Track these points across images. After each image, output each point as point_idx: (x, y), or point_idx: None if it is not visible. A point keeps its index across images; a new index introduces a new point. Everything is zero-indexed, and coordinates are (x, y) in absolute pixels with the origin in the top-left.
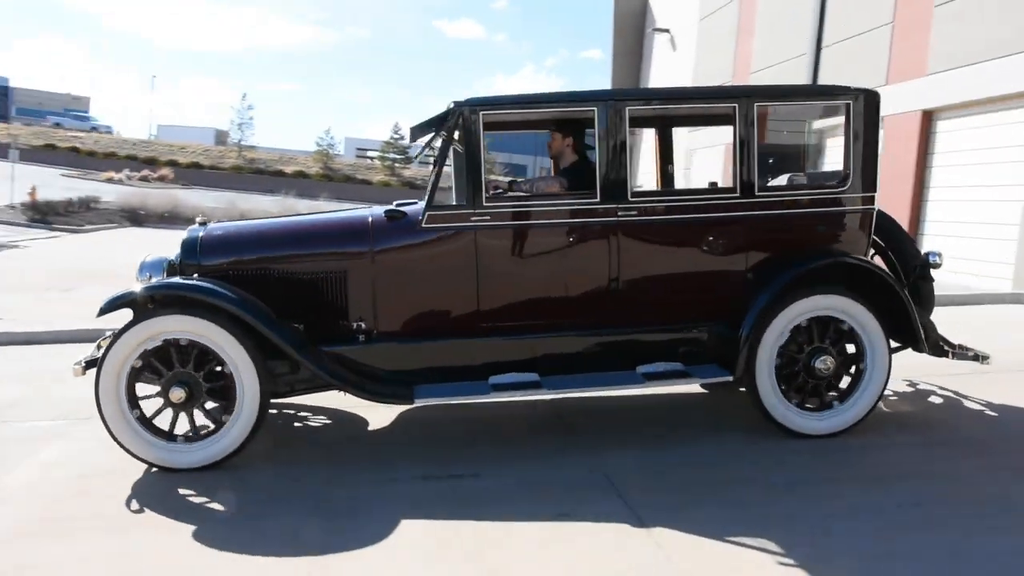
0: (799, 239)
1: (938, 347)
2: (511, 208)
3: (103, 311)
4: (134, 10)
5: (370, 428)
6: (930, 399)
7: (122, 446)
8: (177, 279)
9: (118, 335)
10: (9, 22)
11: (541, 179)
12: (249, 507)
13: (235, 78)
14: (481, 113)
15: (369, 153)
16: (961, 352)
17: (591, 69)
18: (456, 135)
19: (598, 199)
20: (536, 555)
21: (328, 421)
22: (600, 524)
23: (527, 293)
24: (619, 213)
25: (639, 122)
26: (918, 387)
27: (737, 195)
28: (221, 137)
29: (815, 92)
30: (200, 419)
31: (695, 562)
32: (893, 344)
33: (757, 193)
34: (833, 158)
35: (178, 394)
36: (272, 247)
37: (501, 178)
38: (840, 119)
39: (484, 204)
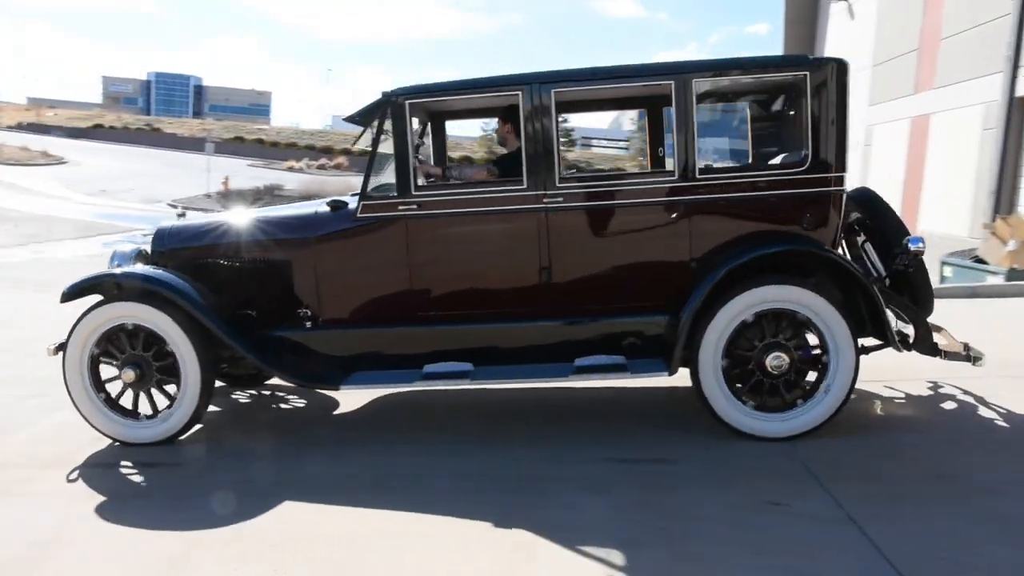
0: (750, 226)
1: (929, 345)
2: (439, 197)
3: (65, 298)
4: (306, 6)
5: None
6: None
7: (87, 420)
8: (126, 268)
9: (78, 321)
10: (197, 24)
11: (470, 167)
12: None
13: (395, 67)
14: (407, 102)
15: None
16: (954, 353)
17: (758, 44)
18: (386, 124)
19: (524, 186)
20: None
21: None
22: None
23: (459, 282)
24: (545, 200)
25: (630, 103)
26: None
27: (675, 178)
28: None
29: (765, 64)
30: (161, 399)
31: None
32: (876, 341)
33: (698, 176)
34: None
35: (129, 374)
36: (226, 238)
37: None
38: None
39: (413, 193)
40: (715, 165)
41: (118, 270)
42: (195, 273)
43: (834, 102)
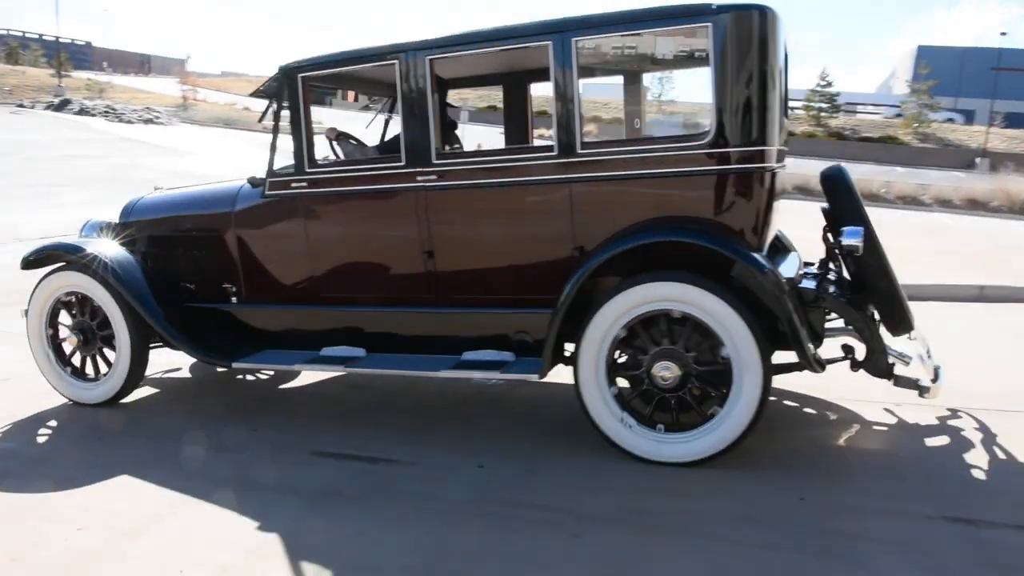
0: (641, 210)
1: (881, 367)
2: (329, 175)
3: (24, 265)
4: None
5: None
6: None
7: (44, 377)
8: (62, 239)
9: (34, 288)
10: None
11: (361, 144)
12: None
13: None
14: (299, 76)
15: (789, 103)
16: (906, 379)
17: None
18: (284, 100)
19: (403, 162)
20: None
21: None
22: None
23: (352, 263)
24: (419, 178)
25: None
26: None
27: (555, 154)
28: None
29: (654, 16)
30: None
31: None
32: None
33: (579, 152)
34: None
35: (73, 339)
36: (169, 211)
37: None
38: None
39: (306, 170)
40: (604, 139)
41: (53, 240)
42: (146, 245)
43: (748, 60)
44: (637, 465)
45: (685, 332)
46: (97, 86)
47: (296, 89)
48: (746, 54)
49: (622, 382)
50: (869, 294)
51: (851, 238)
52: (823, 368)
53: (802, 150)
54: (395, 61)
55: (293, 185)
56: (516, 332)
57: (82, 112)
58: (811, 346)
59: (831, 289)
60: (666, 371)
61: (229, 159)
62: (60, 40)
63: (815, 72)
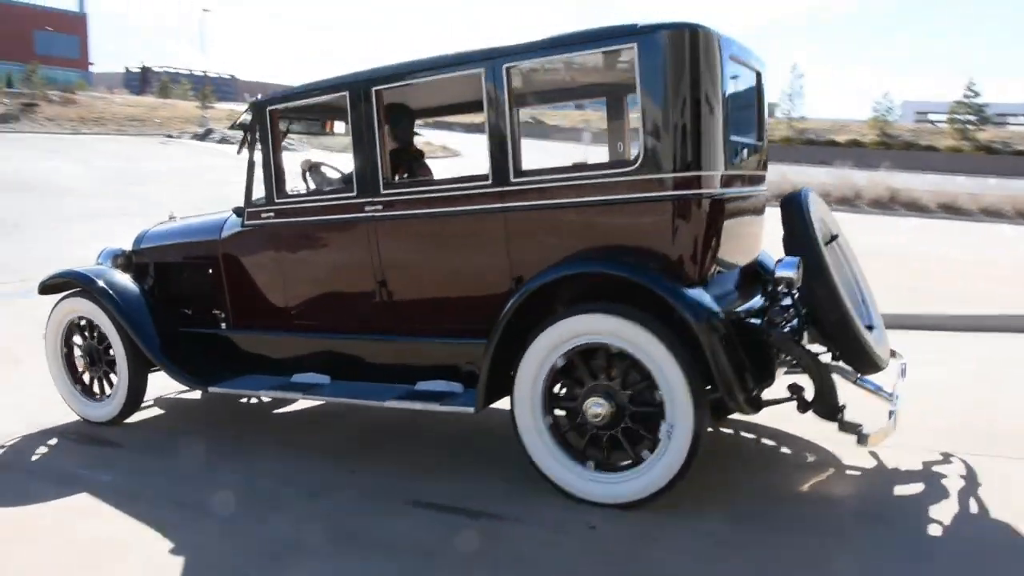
0: (578, 239)
1: (827, 407)
2: (292, 205)
3: (40, 291)
4: None
5: None
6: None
7: (61, 395)
8: (75, 268)
9: (50, 312)
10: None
11: (341, 174)
12: None
13: (783, 49)
14: (267, 110)
15: (931, 116)
16: (850, 424)
17: None
18: (256, 132)
19: (354, 193)
20: None
21: None
22: None
23: (316, 291)
24: (367, 208)
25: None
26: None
27: (490, 183)
28: (770, 110)
29: (582, 40)
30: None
31: None
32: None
33: (513, 180)
34: None
35: (82, 361)
36: (168, 240)
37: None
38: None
39: (275, 201)
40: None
41: (65, 268)
42: (152, 272)
43: (678, 82)
44: (771, 535)
45: (623, 368)
46: (236, 115)
47: (265, 122)
48: (675, 75)
49: (560, 412)
50: (822, 328)
51: (784, 270)
52: (756, 410)
53: (946, 166)
54: (345, 92)
55: (263, 215)
56: (465, 363)
57: (223, 141)
58: (740, 386)
59: (786, 324)
60: (598, 407)
61: None
62: (207, 75)
63: (958, 84)
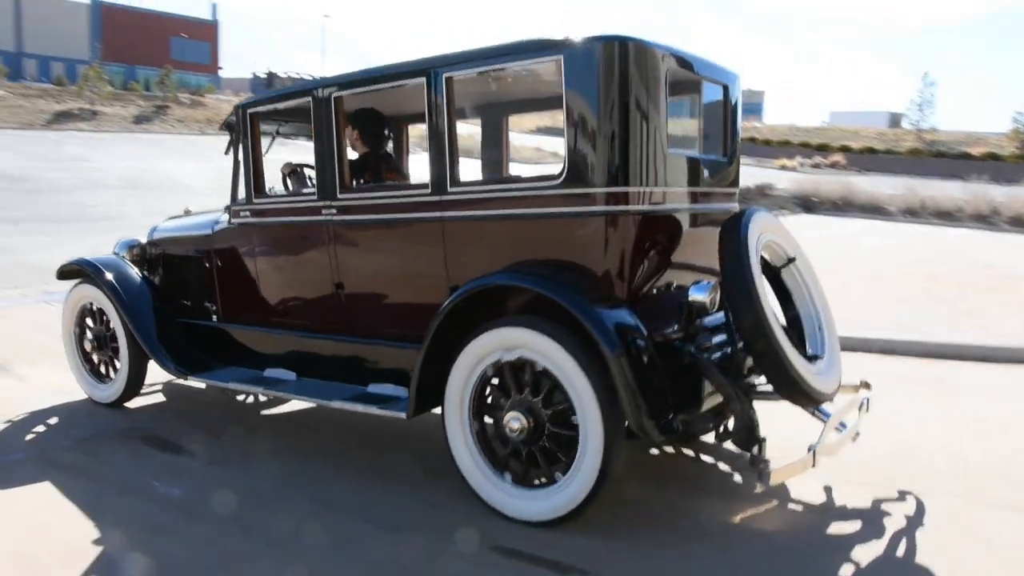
0: (508, 250)
1: (743, 439)
2: (266, 206)
3: (57, 276)
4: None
5: None
6: None
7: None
8: (88, 256)
9: (66, 296)
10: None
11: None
12: None
13: (908, 58)
14: (247, 112)
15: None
16: (757, 458)
17: None
18: (238, 134)
19: (316, 196)
20: None
21: None
22: None
23: (284, 289)
24: (323, 212)
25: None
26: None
27: (428, 192)
28: (895, 120)
29: (513, 51)
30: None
31: None
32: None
33: (450, 190)
34: None
35: (90, 344)
36: (173, 234)
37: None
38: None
39: (253, 200)
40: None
41: (79, 256)
42: (160, 264)
43: (602, 95)
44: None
45: (549, 387)
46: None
47: (245, 124)
48: (600, 90)
49: (488, 420)
50: (751, 356)
51: (696, 293)
52: (677, 437)
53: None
54: (308, 98)
55: (242, 214)
56: (410, 368)
57: None
58: (651, 412)
59: (718, 350)
60: (516, 422)
61: None
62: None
63: None
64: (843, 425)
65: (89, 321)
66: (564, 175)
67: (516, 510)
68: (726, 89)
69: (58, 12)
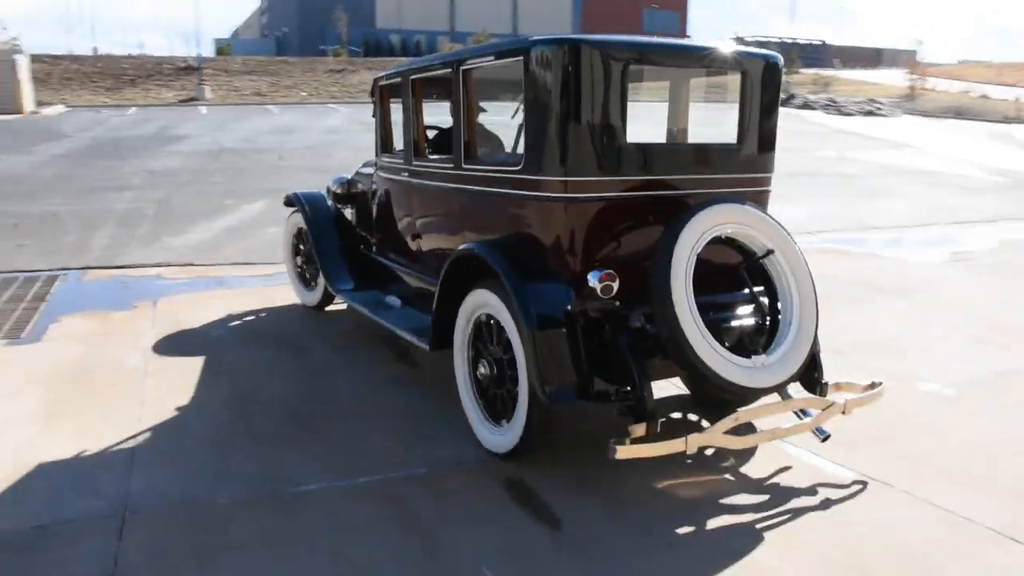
0: (493, 223)
1: (634, 412)
2: (384, 162)
3: (284, 203)
4: None
5: None
6: None
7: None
8: (301, 191)
9: (286, 220)
10: None
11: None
12: None
13: None
14: (379, 84)
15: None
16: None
17: None
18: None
19: (402, 160)
20: None
21: None
22: None
23: (393, 230)
24: (402, 173)
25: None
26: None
27: (451, 166)
28: None
29: (491, 51)
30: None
31: None
32: None
33: (464, 165)
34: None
35: (300, 259)
36: (362, 172)
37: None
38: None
39: (380, 156)
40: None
41: (296, 191)
42: (349, 201)
43: (554, 92)
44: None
45: (505, 341)
46: (822, 80)
47: (377, 93)
48: (552, 87)
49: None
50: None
51: (590, 279)
52: (553, 403)
53: None
54: (399, 79)
55: (376, 166)
56: None
57: (804, 106)
58: (541, 375)
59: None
60: (483, 368)
61: (954, 153)
62: (796, 41)
63: None
64: (805, 414)
65: (300, 242)
66: (523, 162)
67: (485, 441)
68: (744, 75)
69: None
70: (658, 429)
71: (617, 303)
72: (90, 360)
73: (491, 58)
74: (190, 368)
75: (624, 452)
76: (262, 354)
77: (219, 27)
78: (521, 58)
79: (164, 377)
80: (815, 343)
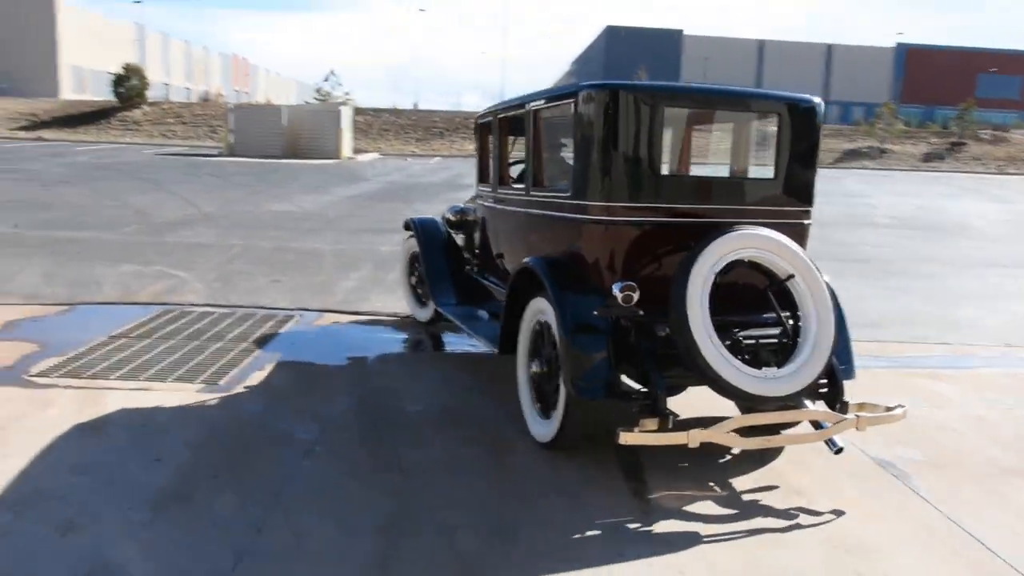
0: (550, 241)
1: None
2: (480, 192)
3: (404, 227)
4: None
5: None
6: None
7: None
8: (417, 216)
9: (404, 244)
10: None
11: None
12: None
13: None
14: (478, 122)
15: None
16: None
17: None
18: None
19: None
20: None
21: None
22: None
23: (488, 253)
24: (490, 200)
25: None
26: None
27: (524, 193)
28: None
29: (552, 94)
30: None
31: None
32: None
33: (532, 192)
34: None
35: (414, 279)
36: (470, 204)
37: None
38: None
39: (479, 188)
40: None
41: (412, 216)
42: (462, 227)
43: (595, 130)
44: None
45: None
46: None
47: (477, 131)
48: (594, 125)
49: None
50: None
51: (615, 288)
52: (581, 397)
53: None
54: (490, 119)
55: (477, 197)
56: None
57: None
58: (584, 374)
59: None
60: (535, 366)
61: None
62: None
63: None
64: (820, 426)
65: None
66: (572, 189)
67: (532, 430)
68: (780, 117)
69: (863, 59)
70: (669, 426)
71: (640, 312)
72: (258, 426)
73: (552, 100)
74: (362, 456)
75: (628, 438)
76: (467, 451)
77: (527, 87)
78: (572, 100)
79: (330, 459)
80: (831, 360)
